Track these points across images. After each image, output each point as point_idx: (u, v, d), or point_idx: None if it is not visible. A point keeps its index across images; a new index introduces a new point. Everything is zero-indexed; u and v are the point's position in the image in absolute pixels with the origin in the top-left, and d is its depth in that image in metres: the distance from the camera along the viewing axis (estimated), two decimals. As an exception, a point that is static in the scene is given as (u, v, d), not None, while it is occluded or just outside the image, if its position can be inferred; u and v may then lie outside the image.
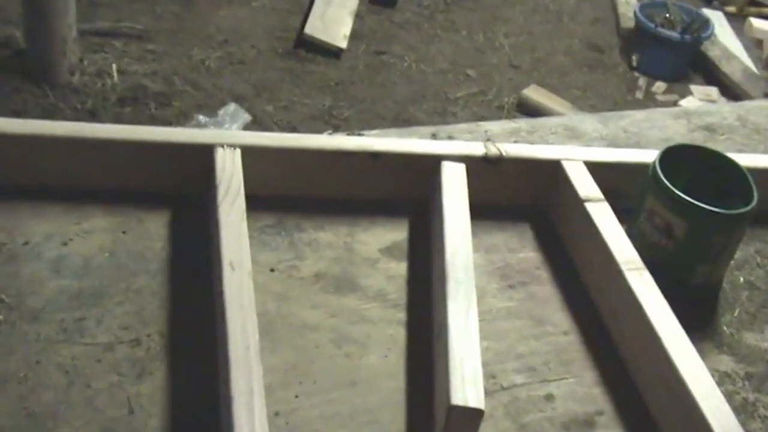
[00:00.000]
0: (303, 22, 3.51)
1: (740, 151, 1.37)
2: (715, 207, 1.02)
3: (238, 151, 1.02)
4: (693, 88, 3.75)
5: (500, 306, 1.01)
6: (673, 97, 3.69)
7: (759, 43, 4.13)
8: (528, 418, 0.88)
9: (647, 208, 1.06)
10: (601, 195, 1.08)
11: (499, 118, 3.20)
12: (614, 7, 4.25)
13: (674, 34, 3.73)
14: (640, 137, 1.38)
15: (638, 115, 1.46)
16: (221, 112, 2.92)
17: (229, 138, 1.04)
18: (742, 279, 1.13)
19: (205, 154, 1.02)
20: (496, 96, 3.44)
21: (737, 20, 4.32)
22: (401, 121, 3.11)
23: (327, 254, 1.03)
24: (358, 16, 3.70)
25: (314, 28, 3.45)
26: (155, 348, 0.87)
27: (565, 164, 1.12)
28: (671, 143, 1.14)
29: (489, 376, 0.91)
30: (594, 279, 1.04)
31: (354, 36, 3.56)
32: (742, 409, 0.94)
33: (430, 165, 1.09)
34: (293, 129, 2.95)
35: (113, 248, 0.98)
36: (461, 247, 0.97)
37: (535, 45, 3.87)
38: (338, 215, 1.09)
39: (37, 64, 2.88)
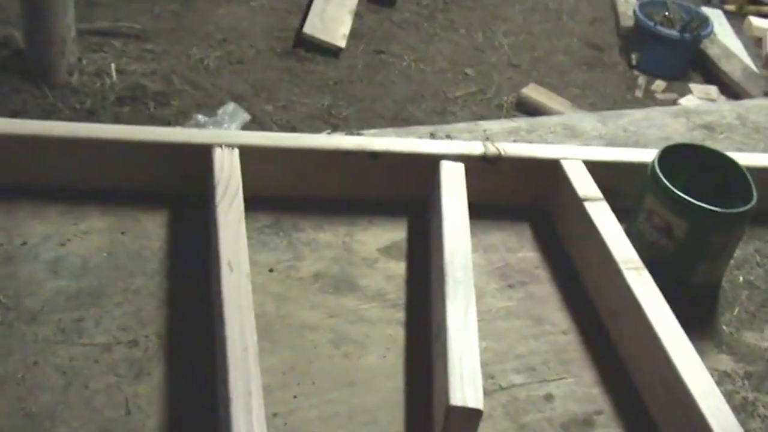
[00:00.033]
0: (302, 22, 3.50)
1: (740, 149, 1.37)
2: (715, 206, 1.01)
3: (236, 151, 1.02)
4: (692, 86, 3.75)
5: (499, 306, 1.01)
6: (673, 95, 3.68)
7: (758, 41, 4.12)
8: (527, 418, 0.88)
9: (646, 207, 1.06)
10: (600, 194, 1.08)
11: (499, 117, 3.20)
12: (613, 6, 4.25)
13: (673, 33, 3.73)
14: (639, 136, 1.38)
15: (637, 114, 1.46)
16: (220, 111, 2.91)
17: (227, 138, 1.04)
18: (741, 278, 1.13)
19: (203, 154, 1.02)
20: (495, 95, 3.44)
21: (737, 18, 4.32)
22: (400, 120, 3.11)
23: (326, 254, 1.03)
24: (357, 16, 3.69)
25: (313, 27, 3.45)
26: (153, 348, 0.87)
27: (564, 163, 1.12)
28: (670, 142, 1.14)
29: (488, 376, 0.91)
30: (593, 279, 1.04)
31: (353, 35, 3.56)
32: (741, 409, 0.94)
33: (429, 164, 1.09)
34: (292, 128, 2.95)
35: (111, 249, 0.98)
36: (460, 246, 0.97)
37: (535, 44, 3.87)
38: (337, 215, 1.08)
39: (36, 64, 2.88)
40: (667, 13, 3.83)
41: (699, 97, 3.65)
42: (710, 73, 3.85)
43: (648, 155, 1.12)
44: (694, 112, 1.49)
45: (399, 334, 0.95)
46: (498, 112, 3.32)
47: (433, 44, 3.69)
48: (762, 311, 1.08)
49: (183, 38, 3.35)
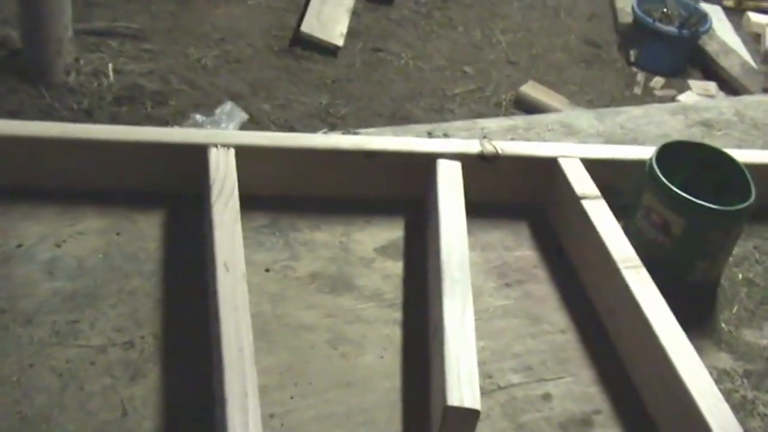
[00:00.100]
0: (299, 20, 3.50)
1: (738, 146, 1.37)
2: (713, 203, 1.01)
3: (232, 151, 1.01)
4: (691, 82, 3.75)
5: (497, 305, 1.01)
6: (672, 92, 3.68)
7: (757, 37, 4.12)
8: (525, 418, 0.87)
9: (644, 205, 1.06)
10: (597, 192, 1.07)
11: (497, 114, 3.19)
12: (612, 3, 4.24)
13: (672, 29, 3.72)
14: (637, 133, 1.37)
15: (635, 111, 1.45)
16: (218, 110, 2.91)
17: (222, 138, 1.03)
18: (740, 276, 1.13)
19: (198, 154, 1.01)
20: (493, 93, 3.43)
21: (735, 14, 4.31)
22: (398, 118, 3.10)
23: (322, 254, 1.03)
24: (355, 14, 3.69)
25: (311, 26, 3.44)
26: (149, 350, 0.87)
27: (562, 161, 1.11)
28: (668, 139, 1.14)
29: (485, 375, 0.91)
30: (591, 277, 1.04)
31: (351, 34, 3.55)
32: (740, 407, 0.93)
33: (426, 163, 1.08)
34: (290, 127, 2.94)
35: (107, 249, 0.97)
36: (457, 245, 0.96)
37: (533, 41, 3.86)
38: (333, 215, 1.08)
39: (33, 64, 2.87)
40: (665, 10, 3.82)
41: (698, 93, 3.65)
42: (709, 69, 3.84)
43: (646, 152, 1.12)
44: (692, 109, 1.49)
45: (396, 333, 0.94)
46: (496, 109, 3.31)
47: (431, 42, 3.69)
48: (761, 309, 1.08)
49: (180, 38, 3.34)
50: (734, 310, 1.07)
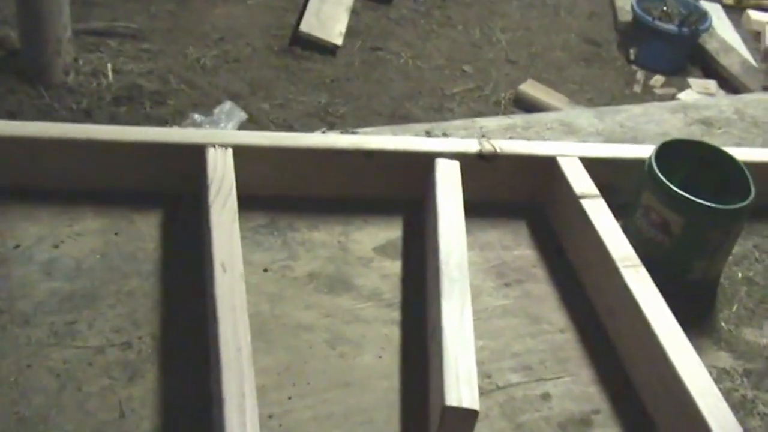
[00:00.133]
0: (298, 20, 3.49)
1: (738, 144, 1.36)
2: (713, 202, 1.01)
3: (230, 151, 1.01)
4: (691, 81, 3.74)
5: (495, 304, 1.00)
6: (672, 90, 3.67)
7: (757, 35, 4.12)
8: (524, 418, 0.87)
9: (643, 204, 1.05)
10: (596, 191, 1.07)
11: (496, 113, 3.19)
12: (611, 1, 4.24)
13: (672, 27, 3.72)
14: (636, 132, 1.37)
15: (635, 109, 1.45)
16: (217, 110, 2.91)
17: (220, 138, 1.03)
18: (740, 274, 1.12)
19: (196, 154, 1.01)
20: (492, 91, 3.43)
21: (735, 12, 4.31)
22: (397, 117, 3.10)
23: (321, 254, 1.02)
24: (354, 13, 3.68)
25: (310, 25, 3.44)
26: (147, 350, 0.87)
27: (561, 160, 1.11)
28: (668, 138, 1.14)
29: (484, 375, 0.90)
30: (590, 276, 1.04)
31: (350, 33, 3.55)
32: (740, 407, 0.93)
33: (425, 163, 1.08)
34: (289, 127, 2.94)
35: (105, 250, 0.97)
36: (456, 245, 0.96)
37: (532, 40, 3.86)
38: (332, 214, 1.08)
39: (31, 64, 2.87)
40: (665, 8, 3.82)
41: (698, 91, 3.64)
42: (709, 67, 3.84)
43: (645, 151, 1.11)
44: (691, 107, 1.49)
45: (395, 333, 0.94)
46: (495, 108, 3.31)
47: (430, 41, 3.68)
48: (761, 308, 1.08)
49: (179, 37, 3.34)
50: (734, 309, 1.07)
